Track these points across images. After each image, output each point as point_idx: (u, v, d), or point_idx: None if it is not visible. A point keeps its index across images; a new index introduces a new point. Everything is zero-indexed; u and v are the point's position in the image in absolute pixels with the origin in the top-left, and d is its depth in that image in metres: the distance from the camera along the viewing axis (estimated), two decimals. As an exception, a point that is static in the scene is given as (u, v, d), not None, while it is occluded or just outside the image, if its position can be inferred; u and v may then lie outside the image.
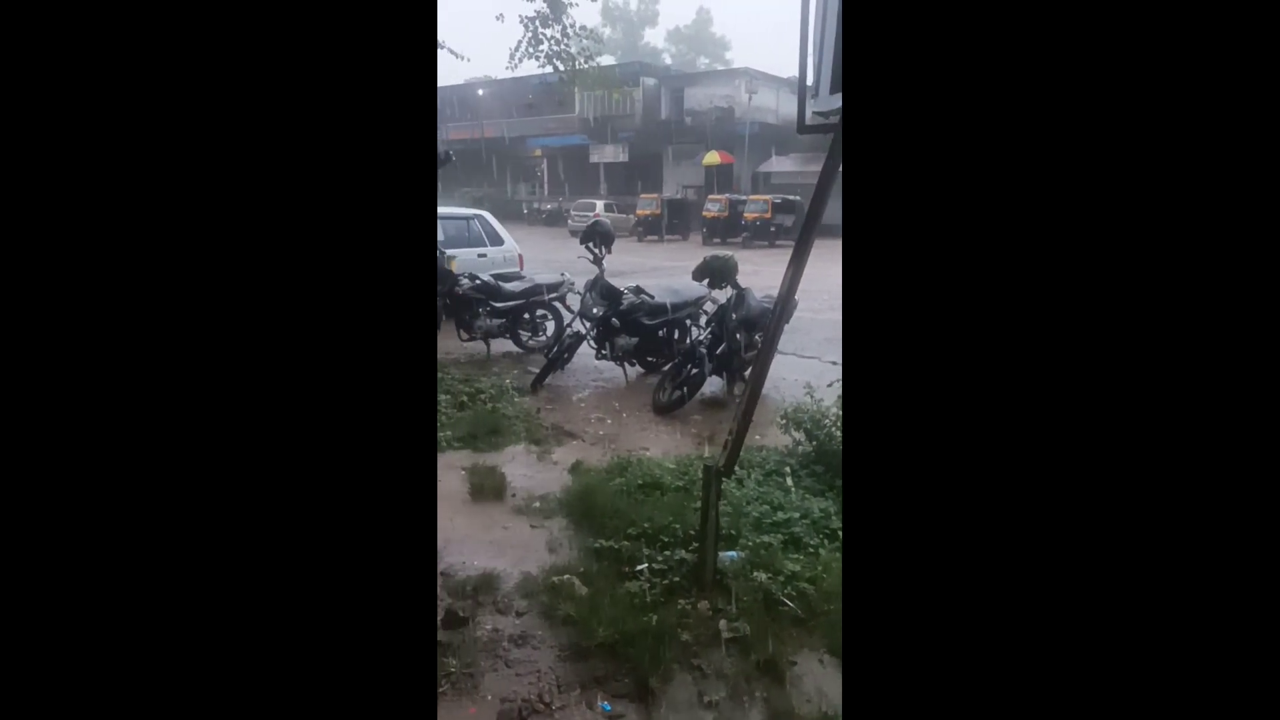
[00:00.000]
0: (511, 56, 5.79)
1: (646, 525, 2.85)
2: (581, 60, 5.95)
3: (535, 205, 27.75)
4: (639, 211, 21.68)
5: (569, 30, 5.85)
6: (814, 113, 2.50)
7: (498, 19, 5.75)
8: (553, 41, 5.80)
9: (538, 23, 5.69)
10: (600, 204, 22.76)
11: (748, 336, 4.75)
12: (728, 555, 2.62)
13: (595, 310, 5.16)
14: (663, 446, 4.11)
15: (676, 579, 2.51)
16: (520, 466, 3.75)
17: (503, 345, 6.28)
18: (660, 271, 6.68)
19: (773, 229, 19.32)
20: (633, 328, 5.23)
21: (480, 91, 29.61)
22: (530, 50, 5.78)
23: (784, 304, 2.32)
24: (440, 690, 2.03)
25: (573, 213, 23.09)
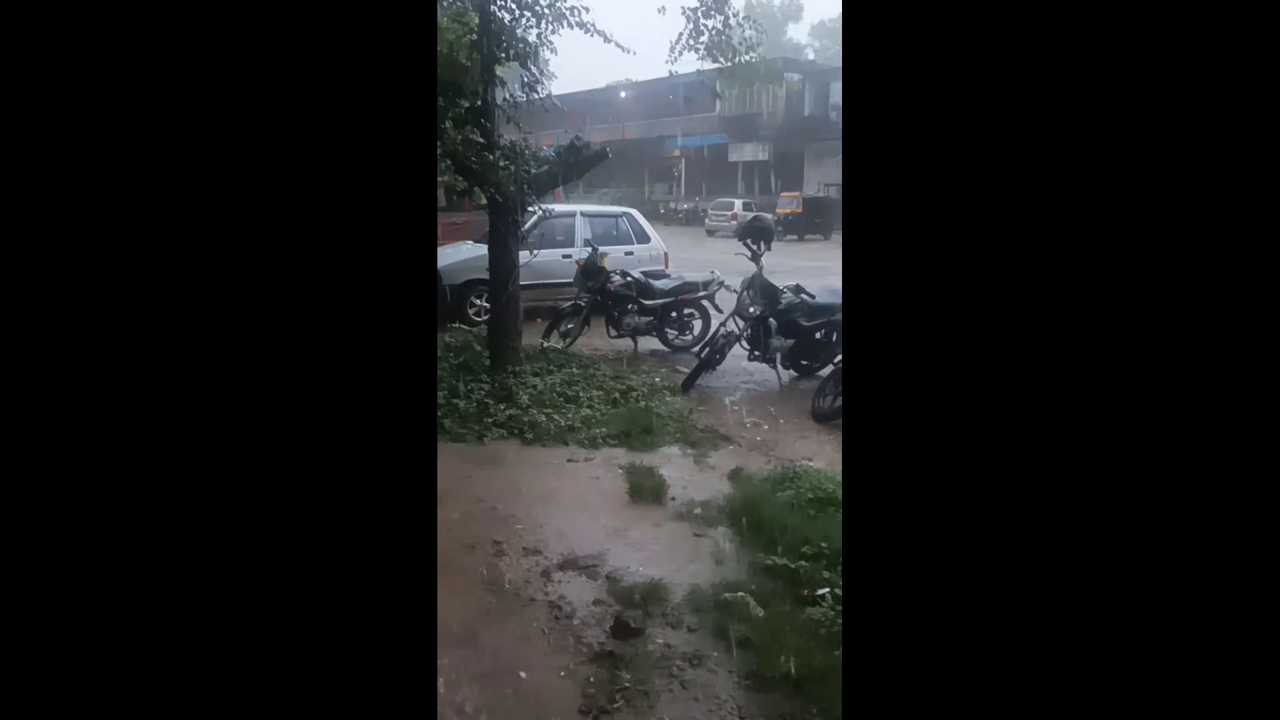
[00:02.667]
0: (672, 49, 5.68)
1: (824, 545, 2.60)
2: (743, 52, 5.74)
3: (672, 205, 27.85)
4: (779, 210, 21.04)
5: (730, 20, 5.67)
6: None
7: (659, 11, 5.66)
8: (713, 32, 5.63)
9: (699, 13, 5.54)
10: (739, 203, 22.39)
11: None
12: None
13: (752, 309, 4.93)
14: (826, 458, 3.82)
15: (865, 610, 2.25)
16: (676, 469, 3.62)
17: (649, 343, 6.21)
18: (800, 273, 6.32)
19: (923, 229, 18.11)
20: (790, 329, 4.95)
21: (622, 94, 30.14)
22: (691, 43, 5.65)
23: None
24: (615, 706, 1.91)
25: (710, 212, 22.91)
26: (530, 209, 5.11)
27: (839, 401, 4.39)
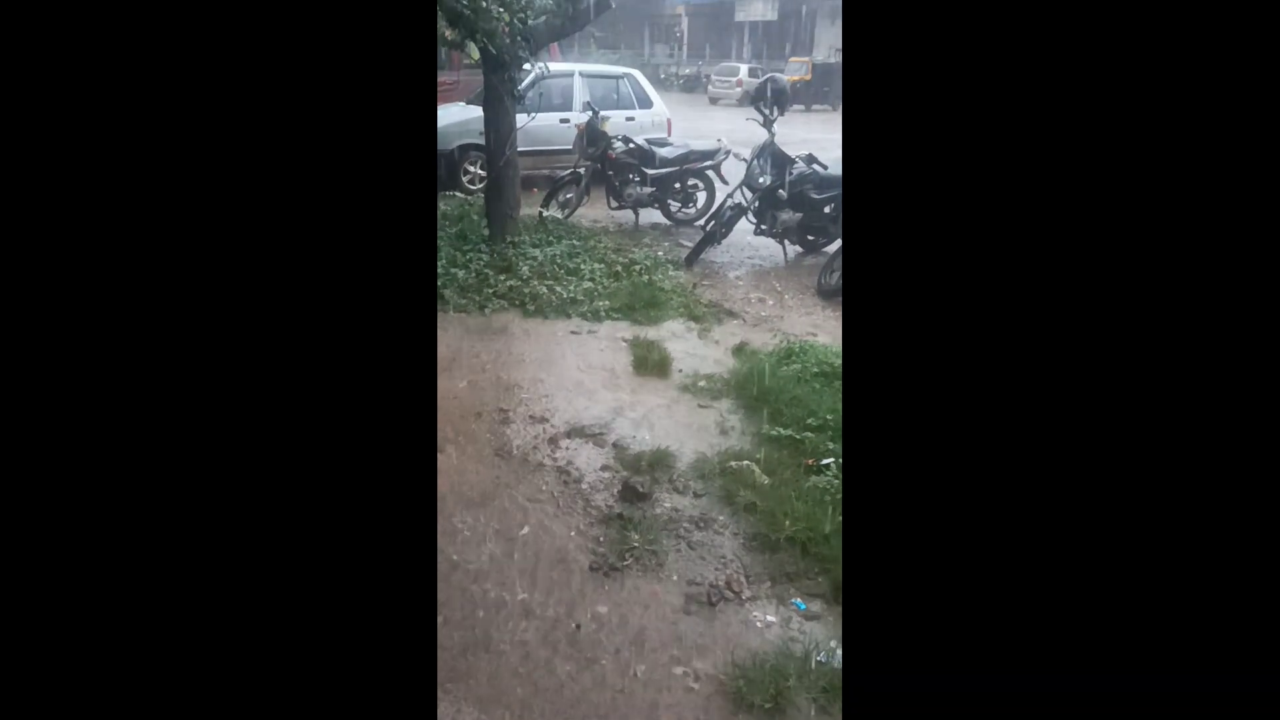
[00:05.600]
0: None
1: (829, 417, 2.63)
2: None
3: (673, 69, 26.14)
4: (788, 77, 19.89)
5: None
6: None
7: None
8: None
9: None
10: (744, 68, 21.00)
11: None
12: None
13: (762, 179, 4.71)
14: (831, 333, 3.79)
15: (868, 479, 2.30)
16: (680, 343, 3.60)
17: (650, 215, 6.01)
18: (809, 145, 5.99)
19: (939, 100, 17.17)
20: (799, 202, 4.76)
21: (621, -61, 27.51)
22: None
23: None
24: (625, 564, 1.99)
25: (714, 78, 21.54)
26: (526, 66, 4.74)
27: (846, 278, 4.31)
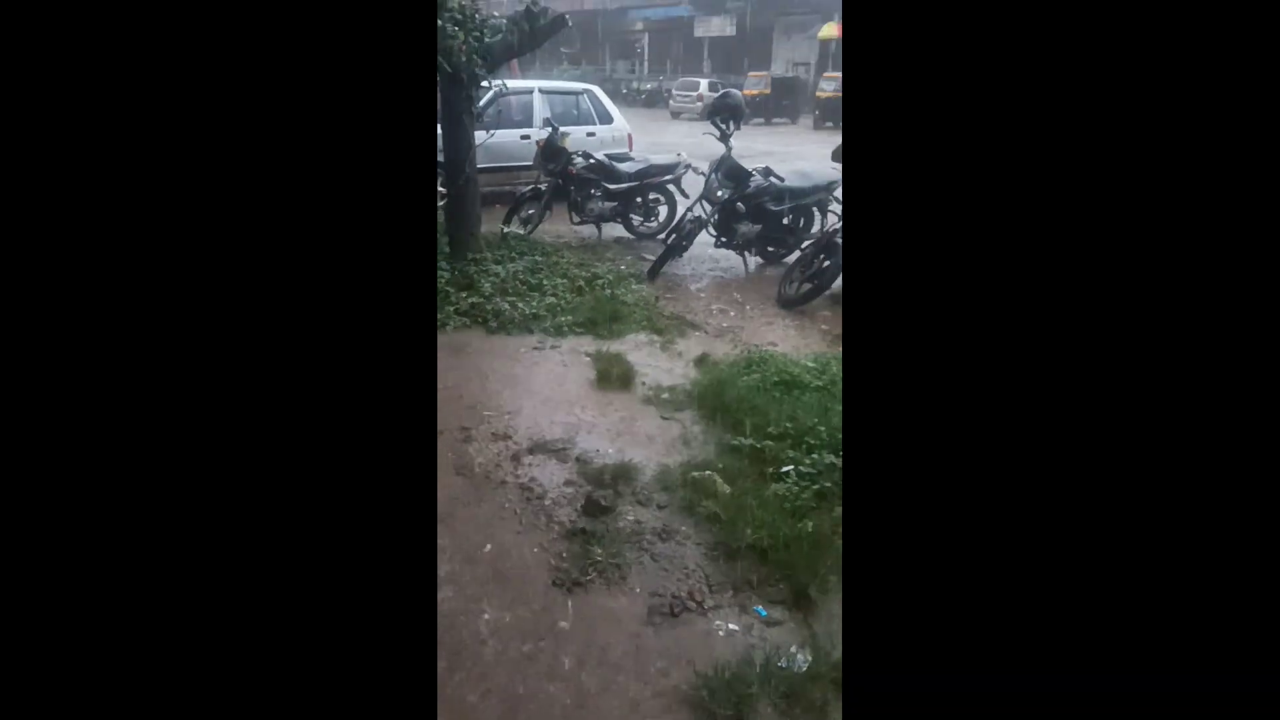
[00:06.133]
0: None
1: (788, 425, 2.66)
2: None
3: (634, 84, 26.38)
4: (746, 91, 20.07)
5: None
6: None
7: None
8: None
9: None
10: (705, 83, 21.30)
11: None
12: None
13: (720, 192, 4.78)
14: (791, 343, 3.86)
15: (827, 484, 2.34)
16: (643, 355, 3.62)
17: (613, 230, 6.04)
18: (768, 157, 6.13)
19: (894, 112, 17.58)
20: (757, 214, 4.84)
21: (580, -43, 27.77)
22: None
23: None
24: (588, 578, 1.99)
25: (675, 92, 21.80)
26: (484, 84, 4.76)
27: (805, 287, 4.39)
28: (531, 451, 2.68)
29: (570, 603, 1.91)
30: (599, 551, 2.08)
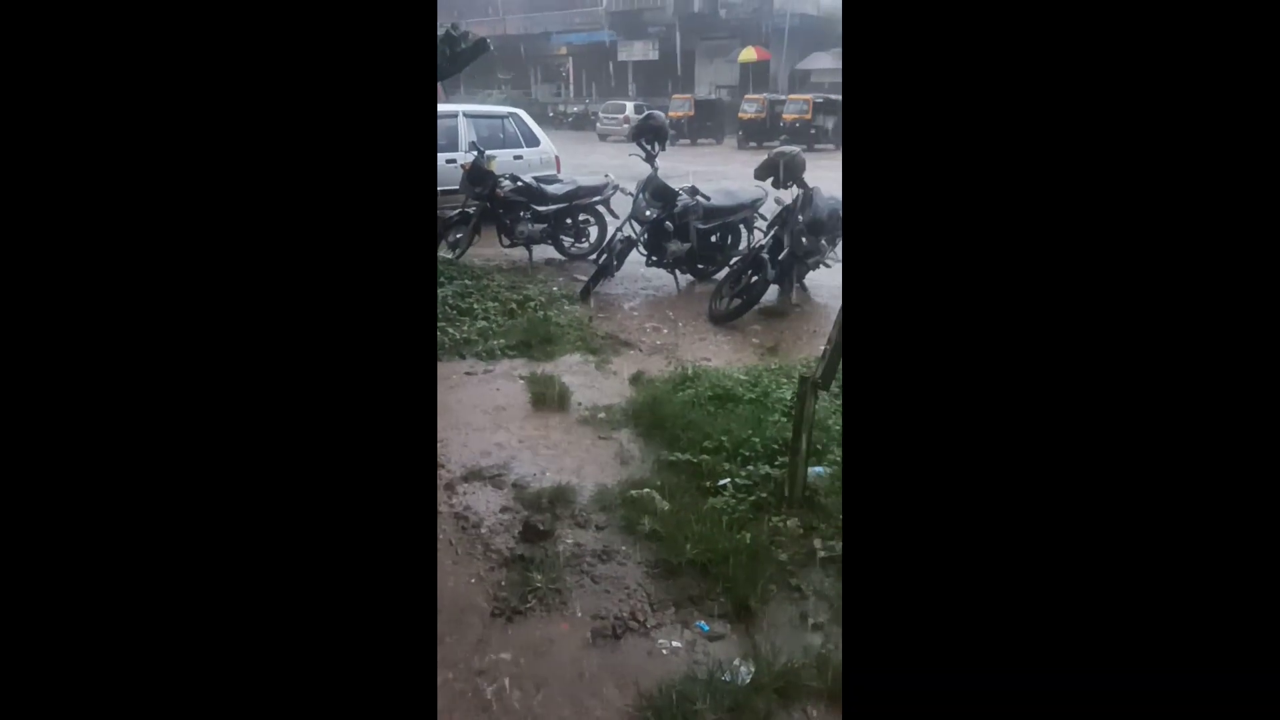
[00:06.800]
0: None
1: (724, 439, 2.70)
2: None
3: (561, 107, 26.53)
4: (671, 113, 20.50)
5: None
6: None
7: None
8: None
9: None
10: (631, 105, 21.65)
11: (813, 241, 4.43)
12: (815, 471, 2.47)
13: (648, 212, 4.84)
14: (724, 358, 3.92)
15: (763, 495, 2.37)
16: (578, 376, 3.60)
17: (544, 251, 6.02)
18: (695, 177, 6.29)
19: (813, 131, 18.25)
20: (686, 232, 4.93)
21: (500, -17, 27.88)
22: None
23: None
24: (528, 606, 1.94)
25: (602, 115, 22.06)
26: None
27: (735, 303, 4.48)
28: (466, 479, 2.61)
29: (510, 632, 1.86)
30: (538, 578, 2.04)
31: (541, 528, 2.25)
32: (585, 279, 5.11)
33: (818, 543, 2.17)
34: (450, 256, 5.57)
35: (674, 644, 1.83)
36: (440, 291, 4.62)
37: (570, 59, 29.23)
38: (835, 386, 3.16)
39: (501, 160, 6.49)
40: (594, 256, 5.56)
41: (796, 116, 18.53)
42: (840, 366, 2.23)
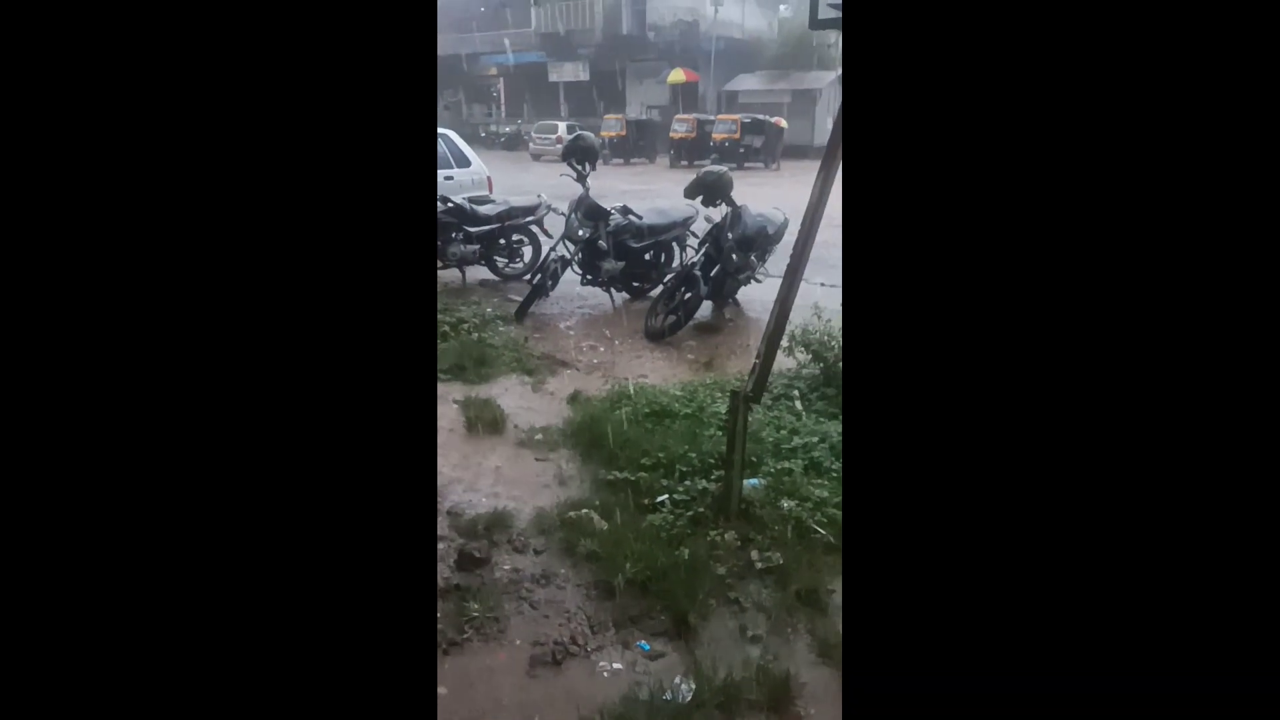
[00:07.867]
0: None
1: (661, 455, 2.71)
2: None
3: (493, 128, 26.39)
4: (603, 133, 20.70)
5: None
6: (828, 4, 2.26)
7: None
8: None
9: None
10: (563, 125, 21.70)
11: (743, 257, 4.54)
12: (750, 483, 2.50)
13: (581, 232, 4.85)
14: (660, 374, 3.95)
15: (700, 510, 2.39)
16: (514, 398, 3.56)
17: (478, 273, 5.95)
18: (629, 196, 6.39)
19: (742, 150, 18.73)
20: (619, 251, 4.96)
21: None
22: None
23: (811, 222, 2.11)
24: (464, 636, 1.90)
25: (534, 135, 22.04)
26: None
27: (669, 320, 4.53)
28: (399, 509, 2.54)
29: (447, 665, 1.81)
30: (475, 607, 1.99)
31: (478, 555, 2.20)
32: (520, 299, 5.08)
33: (755, 554, 2.20)
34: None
35: (615, 666, 1.81)
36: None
37: (501, 80, 29.14)
38: (767, 399, 3.24)
39: (431, 181, 6.38)
40: (528, 277, 5.53)
41: (726, 136, 18.97)
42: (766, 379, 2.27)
